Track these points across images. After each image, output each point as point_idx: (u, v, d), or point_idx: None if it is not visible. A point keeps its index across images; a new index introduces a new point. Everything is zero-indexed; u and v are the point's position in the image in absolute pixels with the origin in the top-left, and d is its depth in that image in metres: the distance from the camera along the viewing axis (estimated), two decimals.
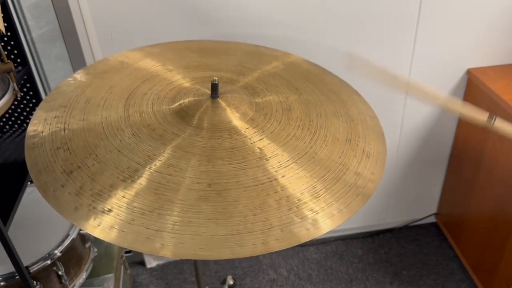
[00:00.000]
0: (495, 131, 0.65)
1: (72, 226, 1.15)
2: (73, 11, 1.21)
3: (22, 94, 1.23)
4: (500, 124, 0.64)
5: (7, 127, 1.27)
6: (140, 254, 1.74)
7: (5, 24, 1.11)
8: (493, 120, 0.64)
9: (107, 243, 1.13)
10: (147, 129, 0.76)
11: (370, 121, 0.89)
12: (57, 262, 1.10)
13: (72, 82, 0.90)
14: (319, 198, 0.69)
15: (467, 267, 1.66)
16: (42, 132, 0.77)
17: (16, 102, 1.24)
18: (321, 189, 0.70)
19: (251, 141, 0.75)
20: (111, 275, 1.33)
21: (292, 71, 0.98)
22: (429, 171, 1.74)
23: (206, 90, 0.84)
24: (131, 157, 0.71)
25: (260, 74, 0.95)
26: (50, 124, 0.79)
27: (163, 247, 0.61)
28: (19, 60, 1.18)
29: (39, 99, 1.24)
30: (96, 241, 1.33)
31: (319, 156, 0.75)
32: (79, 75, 0.92)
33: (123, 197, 0.66)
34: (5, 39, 1.14)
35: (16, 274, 1.02)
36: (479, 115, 0.64)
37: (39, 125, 0.79)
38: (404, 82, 0.67)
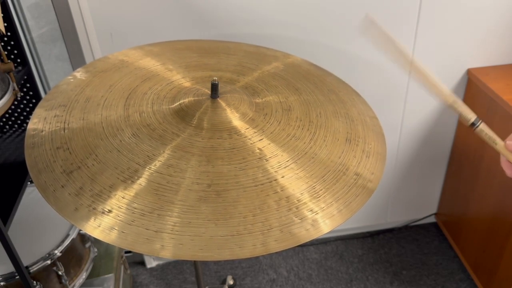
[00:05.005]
0: (478, 134, 0.66)
1: (72, 226, 1.15)
2: (73, 11, 1.21)
3: (22, 94, 1.23)
4: (484, 129, 0.65)
5: (7, 127, 1.27)
6: (140, 254, 1.74)
7: (5, 24, 1.11)
8: (478, 123, 0.64)
9: (107, 243, 1.13)
10: (147, 129, 0.76)
11: (370, 121, 0.89)
12: (57, 262, 1.10)
13: (72, 80, 0.90)
14: (318, 198, 0.69)
15: (467, 267, 1.66)
16: (42, 131, 0.77)
17: (16, 102, 1.24)
18: (321, 190, 0.70)
19: (251, 142, 0.75)
20: (111, 275, 1.33)
21: (292, 72, 0.98)
22: (429, 171, 1.74)
23: (206, 90, 0.84)
24: (131, 157, 0.71)
25: (260, 74, 0.95)
26: (50, 123, 0.79)
27: (163, 248, 0.61)
28: (19, 60, 1.18)
29: (39, 99, 1.24)
30: (96, 241, 1.33)
31: (319, 157, 0.75)
32: (79, 73, 0.92)
33: (123, 197, 0.66)
34: (5, 39, 1.14)
35: (16, 274, 1.02)
36: (469, 114, 0.65)
37: (39, 124, 0.79)
38: (418, 69, 0.66)
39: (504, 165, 0.65)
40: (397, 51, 0.68)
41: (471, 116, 0.65)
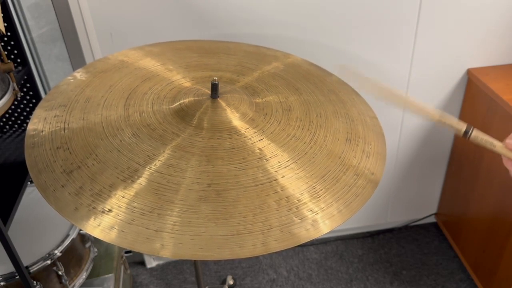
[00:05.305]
0: (474, 142, 0.66)
1: (72, 226, 1.15)
2: (73, 11, 1.21)
3: (22, 94, 1.23)
4: (478, 134, 0.65)
5: (7, 127, 1.27)
6: (140, 254, 1.74)
7: (5, 24, 1.11)
8: (470, 131, 0.65)
9: (107, 243, 1.13)
10: (147, 129, 0.76)
11: (370, 122, 0.89)
12: (57, 262, 1.10)
13: (72, 81, 0.90)
14: (319, 198, 0.69)
15: (467, 267, 1.66)
16: (42, 131, 0.77)
17: (16, 102, 1.24)
18: (321, 190, 0.70)
19: (251, 142, 0.75)
20: (111, 275, 1.33)
21: (292, 72, 0.98)
22: (429, 171, 1.74)
23: (206, 90, 0.84)
24: (131, 157, 0.71)
25: (260, 74, 0.95)
26: (50, 123, 0.79)
27: (163, 248, 0.61)
28: (19, 60, 1.18)
29: (39, 99, 1.24)
30: (96, 241, 1.34)
31: (319, 157, 0.75)
32: (79, 74, 0.92)
33: (123, 197, 0.66)
34: (5, 39, 1.14)
35: (16, 274, 1.02)
36: (459, 125, 0.65)
37: (39, 124, 0.79)
38: (400, 97, 0.67)
39: (507, 164, 0.65)
40: (375, 88, 0.68)
41: (462, 126, 0.65)
